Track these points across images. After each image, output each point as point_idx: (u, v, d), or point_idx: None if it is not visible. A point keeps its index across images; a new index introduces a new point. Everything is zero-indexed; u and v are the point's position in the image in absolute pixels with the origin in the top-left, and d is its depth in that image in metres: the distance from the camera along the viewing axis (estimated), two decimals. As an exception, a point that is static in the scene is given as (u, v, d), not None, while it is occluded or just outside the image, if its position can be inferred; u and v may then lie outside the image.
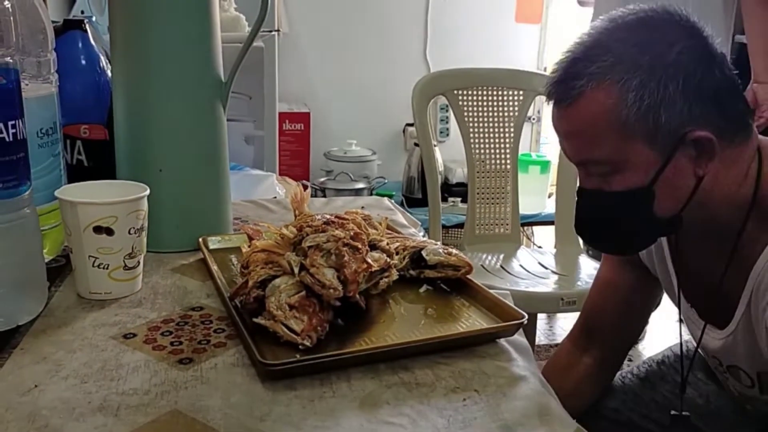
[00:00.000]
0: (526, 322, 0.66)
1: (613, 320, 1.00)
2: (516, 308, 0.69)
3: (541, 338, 2.52)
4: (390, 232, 0.87)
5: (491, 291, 0.73)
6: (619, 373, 1.07)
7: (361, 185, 2.59)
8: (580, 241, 2.01)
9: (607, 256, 1.00)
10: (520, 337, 0.69)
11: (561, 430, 0.54)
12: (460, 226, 2.35)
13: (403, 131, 2.92)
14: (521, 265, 1.85)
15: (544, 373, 1.05)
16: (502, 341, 0.67)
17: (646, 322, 1.04)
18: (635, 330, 1.03)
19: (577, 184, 0.80)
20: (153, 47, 0.82)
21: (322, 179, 2.63)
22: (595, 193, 0.77)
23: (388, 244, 0.77)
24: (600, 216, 0.79)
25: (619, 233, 0.80)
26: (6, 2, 0.61)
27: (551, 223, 2.16)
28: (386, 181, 2.71)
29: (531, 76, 2.01)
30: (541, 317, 2.72)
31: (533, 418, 0.55)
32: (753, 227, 0.75)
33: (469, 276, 0.76)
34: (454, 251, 0.78)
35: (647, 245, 0.87)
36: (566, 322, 2.68)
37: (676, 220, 0.76)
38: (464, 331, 0.67)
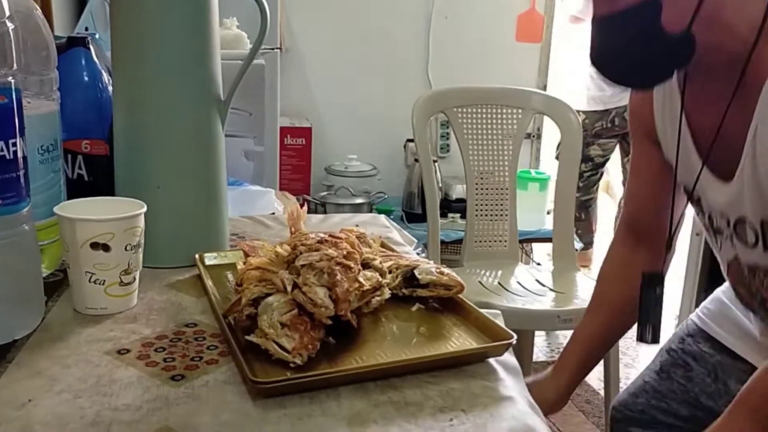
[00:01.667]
0: (514, 342, 0.67)
1: (652, 205, 1.03)
2: (505, 328, 0.69)
3: (539, 355, 2.52)
4: (384, 250, 0.88)
5: (482, 311, 0.74)
6: (639, 374, 1.13)
7: (361, 200, 2.61)
8: (575, 257, 2.03)
9: (635, 143, 1.04)
10: (509, 357, 0.69)
11: (546, 451, 0.55)
12: (459, 242, 2.36)
13: (404, 147, 2.94)
14: (519, 282, 1.86)
15: (602, 287, 1.10)
16: (492, 361, 0.68)
17: (680, 213, 1.06)
18: (674, 216, 1.05)
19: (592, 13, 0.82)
20: (152, 65, 0.83)
21: (323, 194, 2.65)
22: (606, 18, 0.78)
23: (381, 262, 0.78)
24: (613, 41, 0.80)
25: (632, 57, 0.81)
26: (9, 24, 0.63)
27: (549, 240, 2.17)
28: (386, 196, 2.73)
29: (530, 94, 2.02)
30: (540, 334, 2.71)
31: (519, 439, 0.56)
32: (763, 49, 0.76)
33: (460, 295, 0.77)
34: (447, 270, 0.78)
35: (663, 74, 0.85)
36: (565, 339, 2.68)
37: (687, 38, 0.75)
38: (453, 350, 0.68)
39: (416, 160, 2.69)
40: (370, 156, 2.80)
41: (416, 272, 0.78)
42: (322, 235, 0.73)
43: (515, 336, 0.68)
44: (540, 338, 2.68)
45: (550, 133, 2.99)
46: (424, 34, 2.88)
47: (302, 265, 0.67)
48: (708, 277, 2.54)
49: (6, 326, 0.66)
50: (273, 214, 1.22)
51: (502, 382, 0.64)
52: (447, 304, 0.78)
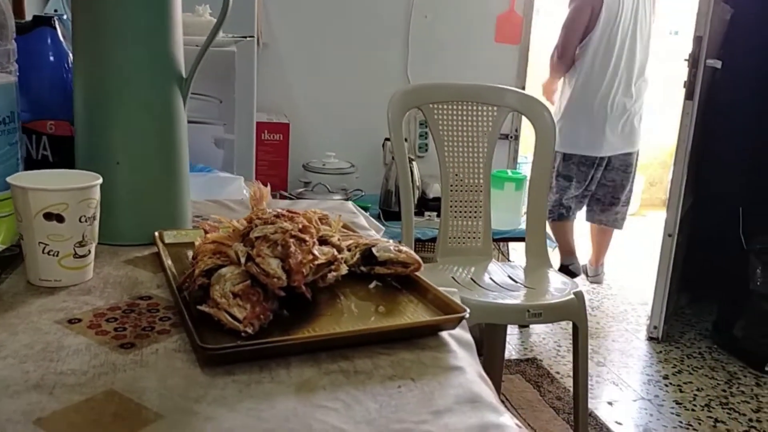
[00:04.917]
0: (467, 315, 0.67)
1: None
2: (460, 303, 0.70)
3: (512, 353, 2.53)
4: (345, 231, 0.88)
5: (439, 288, 0.74)
6: None
7: (338, 197, 2.61)
8: (548, 254, 2.04)
9: None
10: (464, 333, 0.70)
11: (491, 415, 0.55)
12: (436, 240, 2.36)
13: (383, 146, 2.95)
14: (491, 278, 1.87)
15: None
16: (445, 335, 0.68)
17: None
18: None
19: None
20: (111, 38, 0.83)
21: (300, 190, 2.64)
22: None
23: (339, 240, 0.78)
24: None
25: None
26: (-38, -12, 0.62)
27: (525, 239, 2.18)
28: (364, 193, 2.73)
29: (504, 91, 2.04)
30: (513, 332, 2.73)
31: (464, 405, 0.56)
32: None
33: (417, 273, 0.78)
34: (405, 249, 0.79)
35: None
36: (538, 337, 2.69)
37: None
38: (405, 322, 0.68)
39: (394, 158, 2.69)
40: (349, 154, 2.80)
41: (374, 250, 0.79)
42: (279, 210, 0.73)
43: (468, 310, 0.68)
44: (513, 336, 2.69)
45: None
46: (403, 34, 2.89)
47: (256, 237, 0.67)
48: (680, 278, 2.57)
49: (-46, 294, 0.65)
50: (240, 200, 1.22)
51: (454, 354, 0.65)
52: (405, 283, 0.78)
